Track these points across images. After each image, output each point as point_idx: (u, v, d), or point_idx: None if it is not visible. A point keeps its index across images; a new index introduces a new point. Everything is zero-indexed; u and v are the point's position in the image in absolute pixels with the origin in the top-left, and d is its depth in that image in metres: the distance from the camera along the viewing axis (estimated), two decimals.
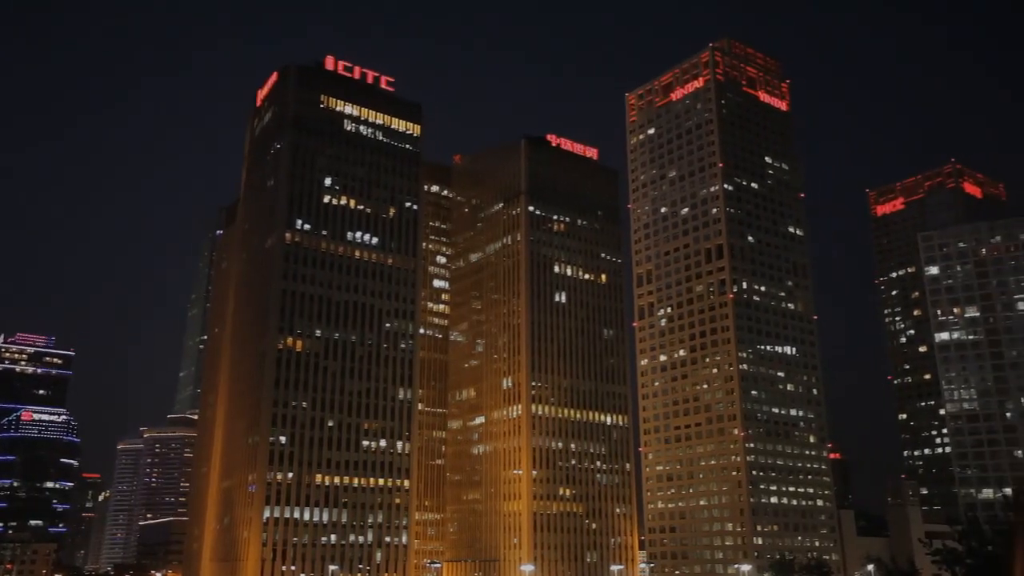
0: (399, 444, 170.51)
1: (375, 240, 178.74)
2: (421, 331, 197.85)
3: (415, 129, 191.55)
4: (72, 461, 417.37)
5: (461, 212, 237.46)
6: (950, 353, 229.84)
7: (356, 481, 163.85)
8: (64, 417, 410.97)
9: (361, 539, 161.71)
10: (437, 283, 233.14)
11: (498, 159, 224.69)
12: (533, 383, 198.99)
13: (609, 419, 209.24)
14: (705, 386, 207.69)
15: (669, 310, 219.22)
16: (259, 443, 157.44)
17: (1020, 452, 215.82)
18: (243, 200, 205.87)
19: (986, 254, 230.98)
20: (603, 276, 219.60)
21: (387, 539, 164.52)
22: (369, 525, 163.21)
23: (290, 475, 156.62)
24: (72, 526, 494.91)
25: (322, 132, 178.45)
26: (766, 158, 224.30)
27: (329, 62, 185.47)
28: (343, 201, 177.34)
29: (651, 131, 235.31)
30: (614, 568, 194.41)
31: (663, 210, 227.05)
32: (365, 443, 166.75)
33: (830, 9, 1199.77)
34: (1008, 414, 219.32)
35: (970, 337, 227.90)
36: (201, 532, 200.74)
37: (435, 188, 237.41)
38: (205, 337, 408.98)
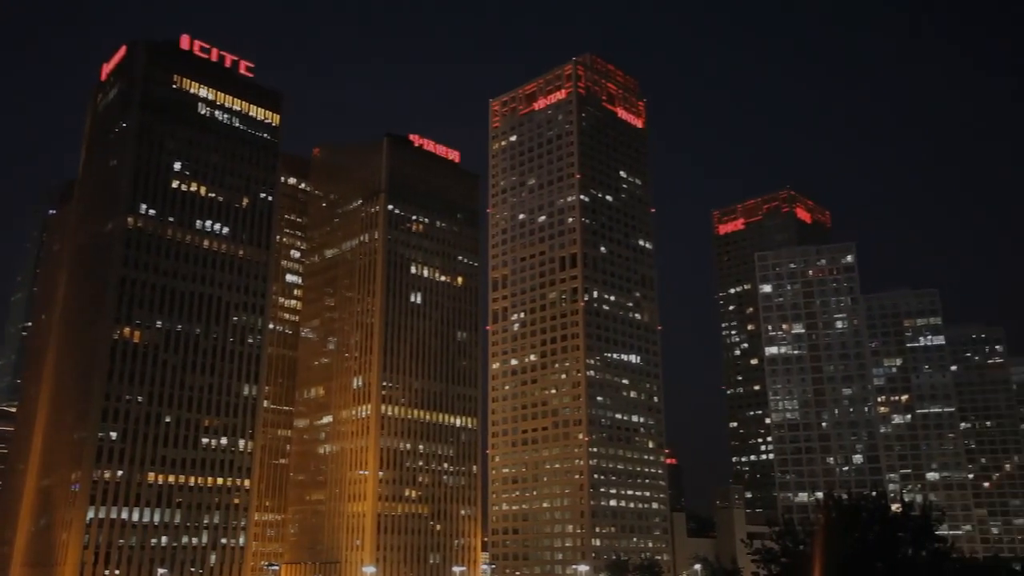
0: (241, 442, 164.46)
1: (226, 230, 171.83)
2: (271, 326, 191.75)
3: (274, 118, 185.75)
4: None
5: (318, 206, 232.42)
6: (777, 366, 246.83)
7: (193, 480, 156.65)
8: None
9: (195, 541, 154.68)
10: (290, 278, 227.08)
11: (359, 155, 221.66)
12: (384, 383, 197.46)
13: (458, 421, 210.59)
14: (553, 391, 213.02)
15: (522, 315, 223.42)
16: (86, 439, 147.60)
17: (832, 459, 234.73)
18: (81, 180, 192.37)
19: (812, 275, 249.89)
20: (459, 279, 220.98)
21: (223, 541, 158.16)
22: (204, 526, 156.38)
23: (119, 473, 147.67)
24: None
25: (173, 114, 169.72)
26: (621, 172, 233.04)
27: (184, 41, 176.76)
28: (193, 188, 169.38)
29: (513, 138, 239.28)
30: (456, 570, 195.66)
31: (521, 217, 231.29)
32: (204, 440, 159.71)
33: (690, 34, 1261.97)
34: (824, 424, 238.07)
35: (795, 352, 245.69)
36: (13, 535, 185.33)
37: (292, 180, 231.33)
38: (29, 324, 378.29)
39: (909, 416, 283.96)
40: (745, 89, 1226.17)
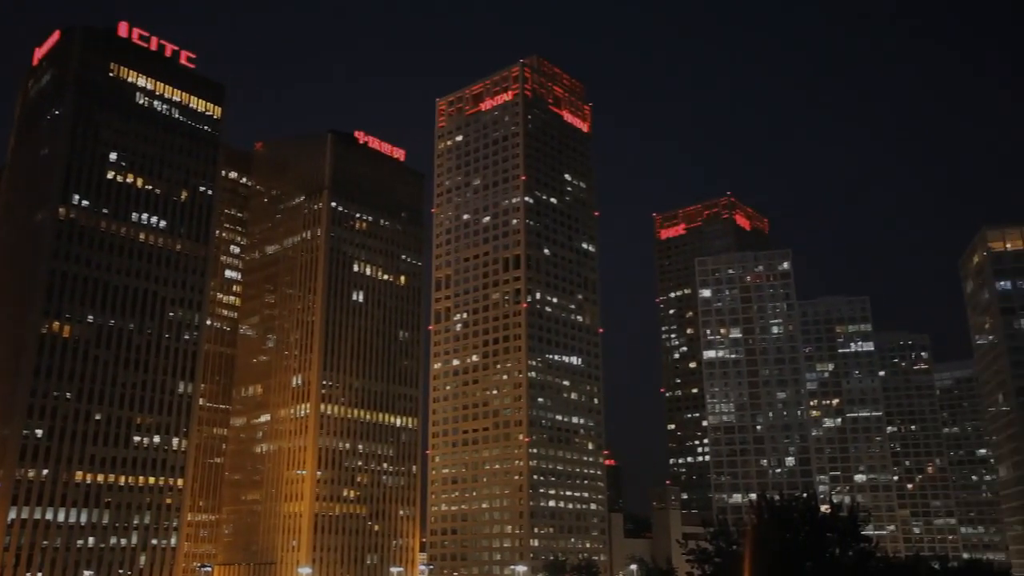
0: (175, 441, 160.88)
1: (163, 223, 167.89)
2: (208, 322, 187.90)
3: (215, 111, 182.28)
4: None
5: (260, 202, 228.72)
6: (715, 370, 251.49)
7: (123, 480, 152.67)
8: None
9: (124, 542, 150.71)
10: (229, 273, 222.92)
11: (303, 151, 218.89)
12: (324, 382, 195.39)
13: (399, 421, 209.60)
14: (495, 392, 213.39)
15: (465, 316, 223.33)
16: (9, 436, 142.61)
17: (765, 461, 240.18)
18: (9, 168, 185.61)
19: (750, 281, 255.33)
20: (403, 278, 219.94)
21: (154, 542, 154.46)
22: (134, 527, 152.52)
23: (44, 472, 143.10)
24: None
25: (110, 102, 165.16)
26: (566, 175, 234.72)
27: (122, 28, 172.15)
28: (129, 179, 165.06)
29: (459, 138, 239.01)
30: (394, 570, 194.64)
31: (465, 217, 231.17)
32: (136, 439, 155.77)
33: (635, 40, 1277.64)
34: (758, 427, 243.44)
35: (732, 356, 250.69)
36: None
37: (233, 175, 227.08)
38: None
39: (839, 420, 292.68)
40: (689, 95, 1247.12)
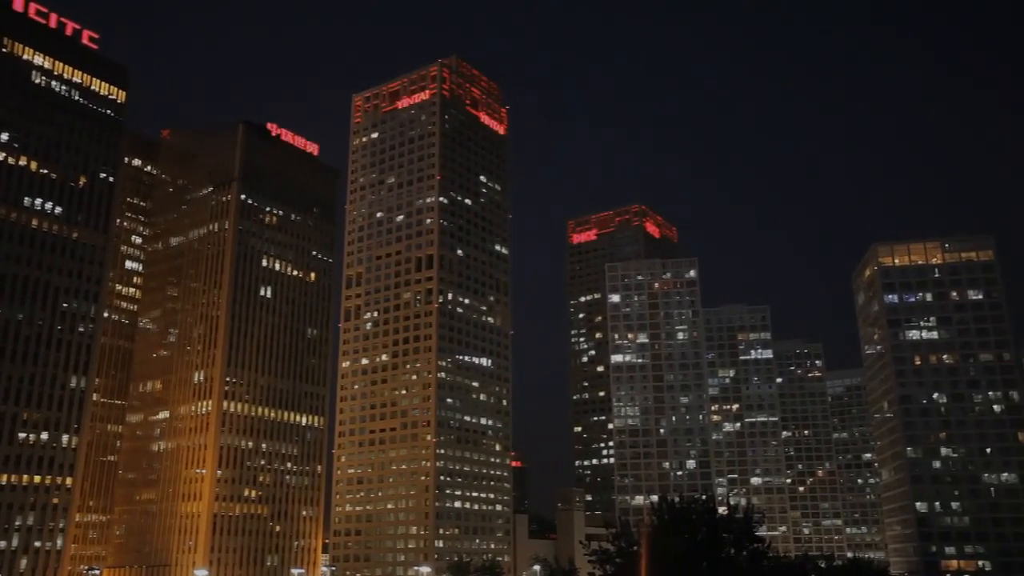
0: (64, 437, 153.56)
1: (59, 210, 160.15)
2: (105, 315, 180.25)
3: (119, 94, 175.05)
4: None
5: (165, 191, 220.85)
6: (621, 374, 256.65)
7: (5, 478, 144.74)
8: None
9: (3, 544, 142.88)
10: (130, 264, 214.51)
11: (212, 141, 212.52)
12: (227, 378, 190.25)
13: (305, 420, 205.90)
14: (403, 392, 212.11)
15: (375, 314, 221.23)
16: None
17: (667, 464, 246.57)
18: None
19: (658, 288, 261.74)
20: (312, 274, 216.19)
21: (37, 544, 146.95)
22: (16, 528, 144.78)
23: None
24: None
25: (2, 80, 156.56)
26: (481, 177, 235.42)
27: (18, 2, 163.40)
28: (23, 162, 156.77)
29: (375, 135, 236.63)
30: (295, 571, 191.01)
31: (379, 215, 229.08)
32: (22, 435, 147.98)
33: (553, 44, 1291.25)
34: (661, 430, 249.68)
35: (639, 360, 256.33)
36: None
37: (137, 162, 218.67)
38: None
39: (738, 424, 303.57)
40: (605, 101, 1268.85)
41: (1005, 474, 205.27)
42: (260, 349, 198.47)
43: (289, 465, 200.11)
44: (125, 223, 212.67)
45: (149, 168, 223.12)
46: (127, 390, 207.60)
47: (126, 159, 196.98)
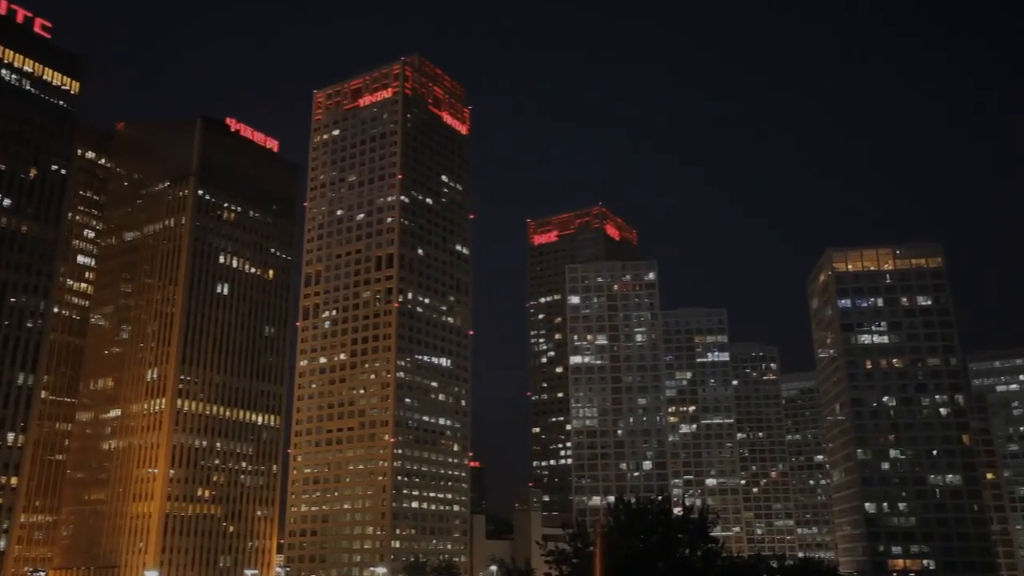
0: (10, 436, 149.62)
1: (8, 202, 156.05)
2: (55, 310, 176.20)
3: (73, 85, 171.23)
4: None
5: (120, 185, 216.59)
6: (580, 375, 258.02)
7: None
8: None
9: None
10: (82, 259, 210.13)
11: (169, 135, 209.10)
12: (182, 376, 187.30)
13: (261, 419, 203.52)
14: (362, 391, 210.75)
15: (334, 313, 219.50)
16: None
17: (624, 465, 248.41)
18: None
19: (617, 290, 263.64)
20: (271, 272, 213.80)
21: None
22: None
23: None
24: None
25: None
26: (443, 176, 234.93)
27: None
28: None
29: (336, 132, 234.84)
30: (248, 572, 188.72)
31: (339, 213, 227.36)
32: None
33: (516, 47, 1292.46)
34: (619, 431, 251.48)
35: (598, 362, 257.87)
36: None
37: (91, 155, 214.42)
38: None
39: (695, 426, 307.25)
40: (568, 102, 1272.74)
41: (950, 476, 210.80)
42: (216, 347, 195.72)
43: (244, 464, 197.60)
44: (78, 217, 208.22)
45: (103, 161, 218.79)
46: (77, 388, 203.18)
47: (80, 151, 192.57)
